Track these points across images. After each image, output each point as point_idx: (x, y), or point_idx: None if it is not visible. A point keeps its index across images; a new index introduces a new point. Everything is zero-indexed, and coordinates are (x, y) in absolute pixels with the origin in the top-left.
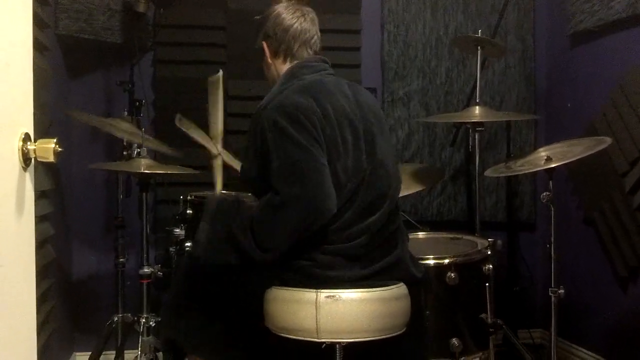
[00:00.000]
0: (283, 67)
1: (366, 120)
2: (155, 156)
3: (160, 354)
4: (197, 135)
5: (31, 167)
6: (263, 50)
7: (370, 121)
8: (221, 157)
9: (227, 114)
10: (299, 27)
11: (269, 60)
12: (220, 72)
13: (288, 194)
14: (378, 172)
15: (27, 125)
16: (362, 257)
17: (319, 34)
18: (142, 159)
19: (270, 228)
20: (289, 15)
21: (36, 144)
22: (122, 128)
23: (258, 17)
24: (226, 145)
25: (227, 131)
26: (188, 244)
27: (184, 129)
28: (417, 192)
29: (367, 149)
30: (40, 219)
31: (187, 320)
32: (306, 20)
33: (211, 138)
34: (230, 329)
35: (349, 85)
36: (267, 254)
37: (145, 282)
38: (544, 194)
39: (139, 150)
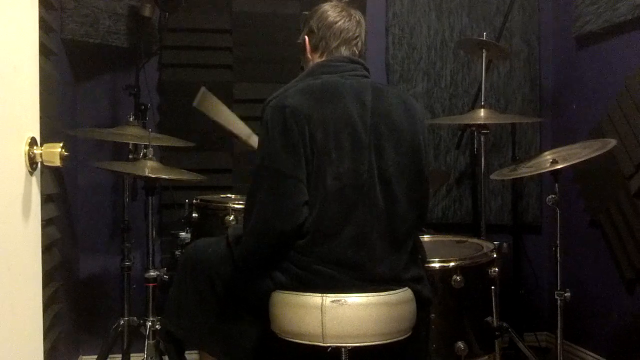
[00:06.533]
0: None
1: (377, 130)
2: (162, 159)
3: (166, 358)
4: (222, 118)
5: (37, 172)
6: (304, 44)
7: (380, 132)
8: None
9: None
10: (342, 25)
11: (309, 55)
12: (203, 88)
13: (249, 204)
14: (382, 188)
15: (34, 129)
16: (363, 279)
17: (363, 36)
18: (148, 161)
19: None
20: (334, 13)
21: (42, 148)
22: (129, 133)
23: (306, 13)
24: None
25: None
26: None
27: (206, 112)
28: None
29: (370, 159)
30: (46, 223)
31: (190, 317)
32: (351, 21)
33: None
34: (235, 327)
35: (374, 90)
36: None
37: (151, 285)
38: (550, 196)
39: (145, 151)
